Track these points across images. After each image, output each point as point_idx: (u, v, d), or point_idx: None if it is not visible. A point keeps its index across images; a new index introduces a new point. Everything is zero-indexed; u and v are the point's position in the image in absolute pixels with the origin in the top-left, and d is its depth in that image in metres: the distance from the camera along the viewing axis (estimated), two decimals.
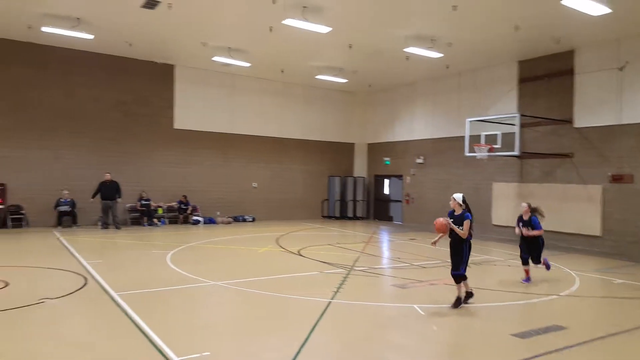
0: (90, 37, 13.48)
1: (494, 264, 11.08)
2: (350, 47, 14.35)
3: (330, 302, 6.92)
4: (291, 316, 6.45)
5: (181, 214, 17.54)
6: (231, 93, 18.93)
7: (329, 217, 21.09)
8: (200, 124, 18.25)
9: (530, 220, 8.54)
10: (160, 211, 17.19)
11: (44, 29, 12.77)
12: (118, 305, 6.67)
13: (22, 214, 15.05)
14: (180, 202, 17.60)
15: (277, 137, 20.12)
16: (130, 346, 5.20)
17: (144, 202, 16.68)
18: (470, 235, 6.80)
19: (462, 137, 14.87)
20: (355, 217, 21.12)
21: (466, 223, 6.68)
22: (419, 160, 18.87)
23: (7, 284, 7.70)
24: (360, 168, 22.24)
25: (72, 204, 15.50)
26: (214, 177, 18.54)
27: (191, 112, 18.01)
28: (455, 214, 6.85)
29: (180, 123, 17.83)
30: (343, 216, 20.93)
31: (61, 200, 15.36)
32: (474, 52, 14.68)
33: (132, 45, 15.03)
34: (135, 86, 16.92)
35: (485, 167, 15.95)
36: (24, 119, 15.07)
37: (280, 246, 12.71)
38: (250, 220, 18.95)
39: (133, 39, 14.47)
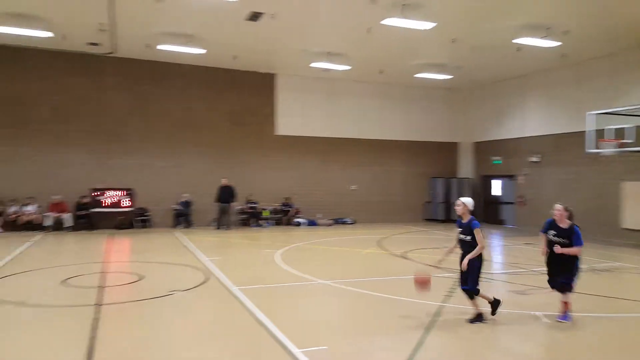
0: (203, 51, 14.74)
1: (630, 272, 9.95)
2: (453, 41, 13.92)
3: (442, 306, 6.77)
4: (402, 317, 6.43)
5: (284, 216, 18.36)
6: (330, 97, 19.41)
7: (432, 220, 20.55)
8: (300, 129, 18.98)
9: (572, 229, 6.08)
10: (266, 213, 18.16)
11: (159, 46, 14.21)
12: (237, 298, 7.21)
13: (147, 215, 16.90)
14: (284, 205, 18.44)
15: (376, 139, 20.17)
16: (251, 336, 5.61)
17: (251, 205, 17.78)
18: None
19: (583, 133, 13.59)
20: None
21: (477, 233, 5.93)
22: (534, 159, 17.59)
23: (141, 277, 8.73)
24: (465, 168, 21.38)
25: (188, 206, 17.03)
26: (314, 180, 19.13)
27: (292, 118, 18.82)
28: (463, 222, 6.10)
29: (283, 129, 18.71)
30: (447, 219, 20.25)
31: (179, 203, 16.97)
32: (595, 39, 13.37)
33: (237, 57, 16.14)
34: (242, 96, 18.16)
35: (612, 165, 14.39)
36: (149, 130, 16.96)
37: (384, 248, 12.70)
38: (350, 222, 19.19)
39: (238, 51, 15.54)
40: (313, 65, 16.21)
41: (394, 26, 11.86)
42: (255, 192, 17.97)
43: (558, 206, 6.25)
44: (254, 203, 17.87)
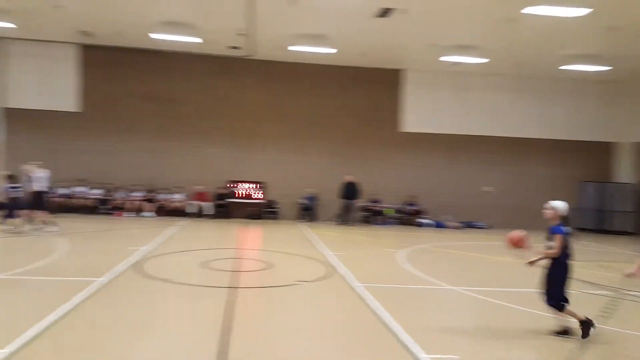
0: (333, 50, 15.04)
1: None
2: (612, 29, 12.16)
3: (593, 327, 5.89)
4: (538, 332, 5.74)
5: (408, 216, 17.94)
6: (460, 93, 18.43)
7: (581, 230, 18.20)
8: (428, 126, 18.36)
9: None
10: (389, 211, 17.94)
11: (291, 47, 14.84)
12: (360, 295, 7.17)
13: (275, 208, 17.87)
14: (408, 204, 18.02)
15: (511, 136, 18.61)
16: (374, 335, 5.51)
17: (374, 203, 17.72)
18: (565, 255, 5.48)
19: None
20: (619, 232, 17.61)
21: (557, 239, 5.43)
22: None
23: (270, 266, 9.21)
24: (624, 172, 18.59)
25: (313, 200, 17.59)
26: (442, 179, 18.33)
27: (419, 114, 18.29)
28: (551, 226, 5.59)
29: (409, 126, 18.30)
30: (600, 229, 17.70)
31: (305, 197, 17.61)
32: None
33: (365, 55, 16.15)
34: (368, 93, 18.19)
35: None
36: (281, 128, 17.89)
37: (520, 257, 11.60)
38: (483, 227, 17.96)
39: (366, 48, 15.53)
40: (443, 59, 15.51)
41: (539, 15, 10.74)
42: (378, 189, 17.88)
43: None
44: (377, 201, 17.78)
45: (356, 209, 17.30)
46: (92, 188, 16.72)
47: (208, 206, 17.09)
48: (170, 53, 16.83)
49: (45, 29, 14.98)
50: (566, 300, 5.44)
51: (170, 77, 17.41)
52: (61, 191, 16.35)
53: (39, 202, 12.12)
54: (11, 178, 12.32)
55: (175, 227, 14.20)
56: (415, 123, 18.30)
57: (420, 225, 17.50)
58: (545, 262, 5.62)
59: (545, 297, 5.59)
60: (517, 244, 5.68)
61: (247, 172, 17.70)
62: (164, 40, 14.67)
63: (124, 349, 4.84)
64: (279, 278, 8.22)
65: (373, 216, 17.77)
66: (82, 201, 16.44)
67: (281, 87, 17.89)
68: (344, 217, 16.92)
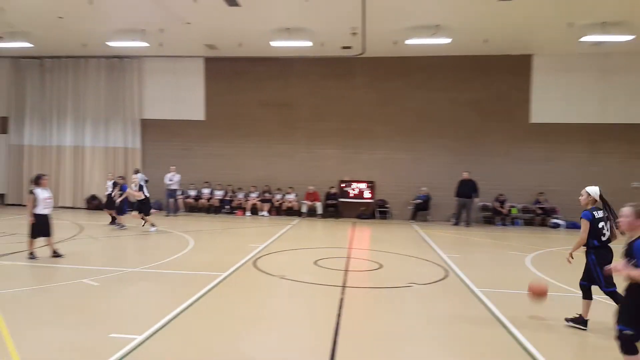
0: (448, 40, 14.33)
1: None
2: None
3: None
4: None
5: (538, 216, 16.36)
6: (601, 76, 16.27)
7: None
8: (561, 115, 16.54)
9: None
10: (514, 211, 16.56)
11: (407, 41, 14.46)
12: (480, 301, 6.64)
13: (386, 207, 17.59)
14: (537, 203, 16.44)
15: None
16: (497, 346, 5.02)
17: (497, 201, 16.49)
18: (596, 241, 5.40)
19: None
20: None
21: (582, 223, 5.45)
22: None
23: (381, 266, 9.03)
24: None
25: (427, 199, 16.94)
26: (578, 175, 16.30)
27: (551, 103, 16.56)
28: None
29: (538, 116, 16.68)
30: None
31: (418, 196, 17.05)
32: None
33: (487, 41, 15.08)
34: (489, 83, 16.99)
35: None
36: (392, 125, 17.57)
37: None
38: None
39: (489, 34, 14.49)
40: (584, 39, 13.76)
41: None
42: (501, 187, 16.59)
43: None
44: (501, 200, 16.49)
45: (474, 208, 16.27)
46: (216, 189, 18.16)
47: (319, 206, 17.47)
48: (284, 59, 17.57)
49: (176, 45, 16.61)
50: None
51: (284, 82, 18.13)
52: (190, 192, 18.09)
53: (145, 205, 13.15)
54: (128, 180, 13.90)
55: (288, 226, 14.73)
56: (547, 113, 16.61)
57: (554, 226, 15.83)
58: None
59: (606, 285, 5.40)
60: (540, 295, 5.74)
61: (357, 171, 17.73)
62: (281, 47, 15.37)
63: (241, 340, 5.09)
64: (390, 279, 8.01)
65: (495, 216, 16.55)
66: (207, 202, 17.94)
67: (391, 84, 17.57)
68: (461, 217, 16.02)
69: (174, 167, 17.25)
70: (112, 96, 18.71)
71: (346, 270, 8.50)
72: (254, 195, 17.80)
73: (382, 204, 17.63)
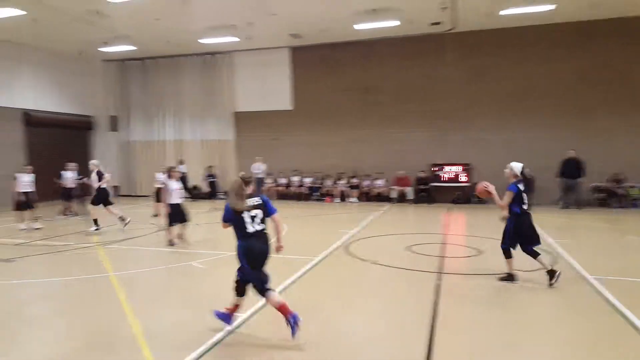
0: (552, 7, 13.21)
1: None
2: None
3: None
4: None
5: None
6: None
7: None
8: None
9: None
10: (634, 192, 14.91)
11: (503, 12, 13.55)
12: (597, 291, 6.12)
13: None
14: None
15: None
16: (623, 343, 4.60)
17: (614, 182, 14.95)
18: (518, 208, 6.35)
19: None
20: None
21: (506, 194, 6.35)
22: None
23: (480, 252, 8.67)
24: None
25: (531, 181, 15.82)
26: None
27: None
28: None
29: None
30: None
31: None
32: None
33: (596, 5, 13.63)
34: (598, 51, 15.41)
35: None
36: (485, 103, 16.70)
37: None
38: None
39: None
40: None
41: None
42: (619, 165, 15.02)
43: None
44: (619, 180, 14.89)
45: (583, 189, 14.93)
46: (304, 177, 18.62)
47: (409, 191, 17.16)
48: (367, 42, 17.41)
49: (263, 37, 17.17)
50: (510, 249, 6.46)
51: (368, 66, 17.97)
52: (280, 180, 18.77)
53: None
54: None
55: (378, 212, 14.68)
56: None
57: None
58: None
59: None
60: (482, 194, 6.62)
61: (450, 154, 17.13)
62: (365, 30, 15.24)
63: (336, 321, 5.20)
64: (490, 266, 7.64)
65: (611, 198, 15.05)
66: (297, 189, 18.47)
67: (484, 60, 16.63)
68: (568, 200, 14.80)
69: (259, 157, 18.19)
70: (206, 92, 19.91)
71: (442, 257, 8.29)
72: (342, 182, 17.96)
73: None
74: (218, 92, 19.75)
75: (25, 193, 11.55)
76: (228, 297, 6.22)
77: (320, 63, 18.42)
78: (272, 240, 4.94)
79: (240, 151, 19.65)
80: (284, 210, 14.89)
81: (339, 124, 18.35)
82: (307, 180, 18.55)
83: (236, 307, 4.91)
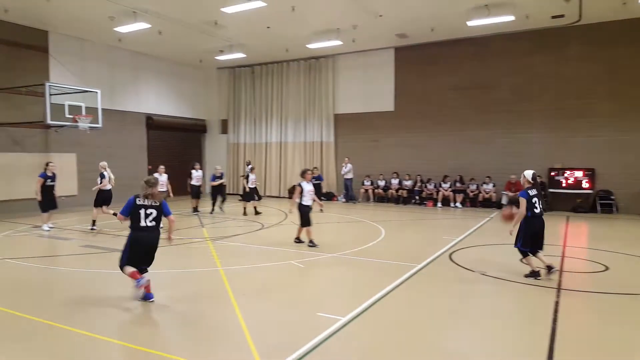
0: None
1: None
2: None
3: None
4: None
5: None
6: None
7: None
8: None
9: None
10: None
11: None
12: None
13: (611, 199, 15.05)
14: None
15: None
16: None
17: None
18: (529, 212, 6.90)
19: None
20: None
21: (520, 201, 6.97)
22: None
23: (607, 268, 7.75)
24: None
25: None
26: None
27: None
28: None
29: None
30: None
31: None
32: None
33: None
34: None
35: None
36: (618, 101, 14.97)
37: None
38: None
39: None
40: None
41: None
42: None
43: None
44: None
45: None
46: (404, 179, 18.25)
47: None
48: (479, 39, 16.60)
49: (367, 39, 17.20)
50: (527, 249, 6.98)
51: (479, 63, 17.11)
52: (379, 183, 18.61)
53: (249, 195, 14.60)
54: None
55: (486, 219, 13.86)
56: None
57: None
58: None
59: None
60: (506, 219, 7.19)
61: (571, 157, 15.65)
62: (478, 26, 14.61)
63: (441, 334, 4.97)
64: (619, 284, 6.80)
65: None
66: (396, 192, 18.16)
67: (615, 53, 14.94)
68: None
69: (347, 158, 18.53)
70: (309, 95, 20.46)
71: (561, 271, 7.56)
72: (445, 185, 17.27)
73: (605, 195, 15.19)
74: (321, 95, 20.17)
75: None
76: (327, 297, 6.25)
77: (428, 62, 17.93)
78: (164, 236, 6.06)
79: (340, 153, 19.86)
80: (381, 214, 14.89)
81: (445, 124, 17.71)
82: (408, 183, 18.15)
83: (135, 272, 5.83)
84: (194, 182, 14.99)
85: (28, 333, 4.95)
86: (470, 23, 14.21)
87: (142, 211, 5.84)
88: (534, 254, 7.03)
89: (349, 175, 18.41)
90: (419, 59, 18.07)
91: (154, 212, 5.91)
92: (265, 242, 10.10)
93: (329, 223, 13.08)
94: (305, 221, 9.44)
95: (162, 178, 12.02)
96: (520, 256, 7.25)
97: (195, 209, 14.88)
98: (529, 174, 7.26)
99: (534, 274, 6.96)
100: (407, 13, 14.29)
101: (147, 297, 5.86)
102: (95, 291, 6.51)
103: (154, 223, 5.91)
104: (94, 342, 4.67)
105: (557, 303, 5.87)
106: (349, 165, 18.42)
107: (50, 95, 13.78)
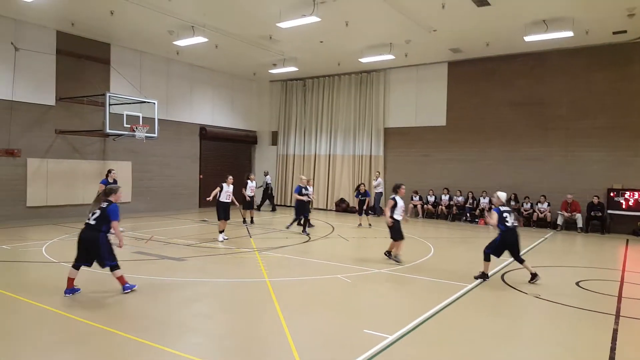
0: None
1: None
2: None
3: None
4: None
5: None
6: None
7: None
8: None
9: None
10: None
11: None
12: None
13: None
14: None
15: None
16: None
17: None
18: (503, 225, 8.03)
19: None
20: None
21: (491, 214, 8.27)
22: None
23: None
24: None
25: None
26: None
27: None
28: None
29: None
30: None
31: None
32: None
33: None
34: None
35: None
36: None
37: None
38: None
39: None
40: None
41: None
42: None
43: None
44: None
45: None
46: (455, 196, 17.98)
47: (579, 218, 15.36)
48: (536, 54, 16.30)
49: (420, 53, 17.27)
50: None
51: (536, 79, 16.74)
52: (429, 198, 18.43)
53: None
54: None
55: (541, 239, 13.44)
56: None
57: None
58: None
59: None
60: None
61: (632, 178, 14.98)
62: (535, 42, 14.41)
63: (492, 357, 4.92)
64: None
65: None
66: (446, 208, 17.91)
67: None
68: None
69: (378, 172, 18.61)
70: (360, 108, 20.65)
71: (619, 297, 7.26)
72: None
73: None
74: (371, 109, 20.31)
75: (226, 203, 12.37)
76: (374, 314, 6.33)
77: (482, 77, 17.72)
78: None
79: (390, 167, 19.86)
80: (431, 230, 14.71)
81: (499, 140, 17.38)
82: (459, 200, 17.87)
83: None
84: (248, 192, 15.10)
85: (83, 335, 5.24)
86: (527, 38, 14.00)
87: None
88: (521, 262, 8.13)
89: (379, 189, 18.26)
90: (472, 74, 17.89)
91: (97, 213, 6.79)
92: (312, 255, 10.28)
93: (377, 238, 13.12)
94: (399, 235, 9.40)
95: (229, 189, 11.82)
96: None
97: (246, 220, 15.21)
98: (503, 195, 8.41)
99: (484, 276, 8.19)
100: (462, 28, 14.26)
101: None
102: (139, 297, 6.85)
103: (94, 222, 6.72)
104: (139, 346, 4.94)
105: (615, 331, 5.67)
106: (380, 180, 18.23)
107: (110, 105, 14.52)
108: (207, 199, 12.13)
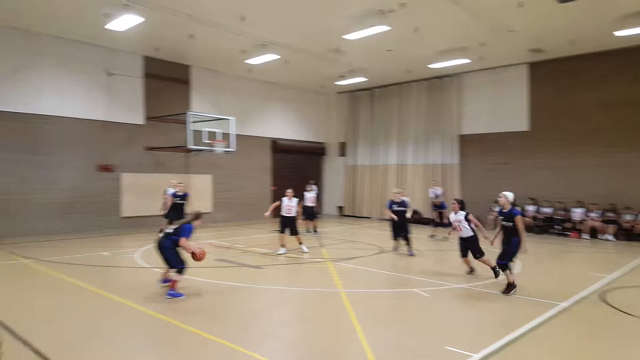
0: None
1: None
2: None
3: None
4: None
5: None
6: None
7: None
8: None
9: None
10: None
11: None
12: None
13: None
14: None
15: None
16: None
17: None
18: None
19: None
20: None
21: (518, 220, 7.49)
22: None
23: None
24: None
25: None
26: None
27: None
28: (504, 210, 7.71)
29: None
30: None
31: None
32: None
33: None
34: None
35: None
36: None
37: None
38: None
39: None
40: None
41: None
42: None
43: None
44: None
45: None
46: (542, 207, 16.75)
47: None
48: (628, 50, 14.96)
49: (497, 56, 16.50)
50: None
51: (630, 77, 15.27)
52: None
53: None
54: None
55: None
56: None
57: None
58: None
59: (501, 258, 7.78)
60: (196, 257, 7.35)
61: None
62: (627, 37, 13.28)
63: None
64: None
65: None
66: (532, 220, 16.63)
67: None
68: None
69: (435, 181, 17.57)
70: (431, 115, 20.05)
71: None
72: (593, 214, 15.43)
73: None
74: (444, 116, 19.64)
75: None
76: (456, 330, 5.96)
77: (568, 77, 16.48)
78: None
79: (465, 175, 19.01)
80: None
81: (590, 145, 16.00)
82: (546, 211, 16.60)
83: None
84: (307, 203, 15.32)
85: (173, 337, 5.54)
86: (617, 33, 12.88)
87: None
88: (504, 269, 7.77)
89: (440, 199, 16.33)
90: (556, 75, 16.71)
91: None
92: (385, 267, 9.99)
93: (453, 250, 12.48)
94: (480, 250, 8.89)
95: (290, 202, 11.72)
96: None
97: (309, 230, 15.41)
98: (510, 195, 7.90)
99: (512, 287, 7.68)
100: (543, 26, 13.40)
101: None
102: (222, 300, 6.96)
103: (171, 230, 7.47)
104: (222, 349, 5.01)
105: None
106: (439, 189, 16.45)
107: (192, 122, 15.41)
108: (265, 214, 12.14)
